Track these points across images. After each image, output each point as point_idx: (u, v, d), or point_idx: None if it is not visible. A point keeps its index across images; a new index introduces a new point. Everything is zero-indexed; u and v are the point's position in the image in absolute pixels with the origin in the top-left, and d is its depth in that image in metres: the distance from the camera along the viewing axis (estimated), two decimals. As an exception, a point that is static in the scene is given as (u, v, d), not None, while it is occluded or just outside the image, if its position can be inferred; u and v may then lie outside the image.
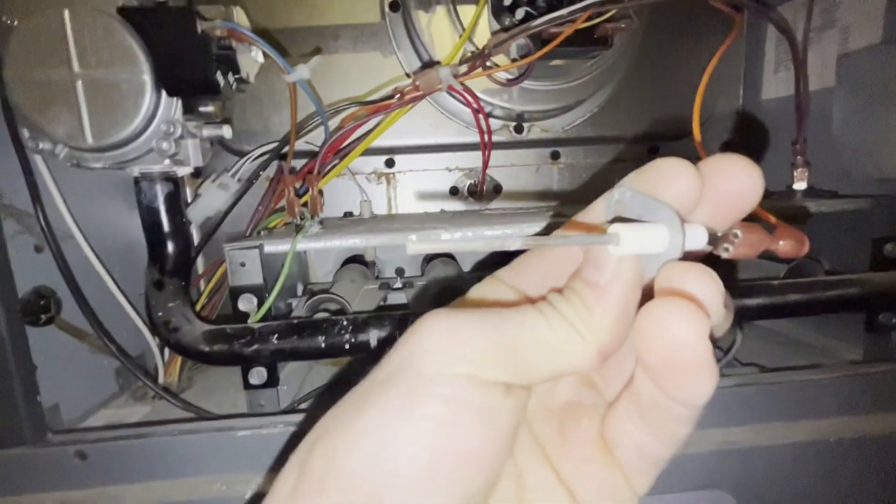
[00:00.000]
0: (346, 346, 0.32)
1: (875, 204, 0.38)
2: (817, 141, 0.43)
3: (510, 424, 0.14)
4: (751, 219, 0.15)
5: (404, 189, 0.55)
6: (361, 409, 0.14)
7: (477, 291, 0.17)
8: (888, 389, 0.34)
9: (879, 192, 0.39)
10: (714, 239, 0.14)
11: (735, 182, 0.14)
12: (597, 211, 0.16)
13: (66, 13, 0.28)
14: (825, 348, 0.43)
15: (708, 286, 0.13)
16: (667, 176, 0.14)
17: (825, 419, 0.34)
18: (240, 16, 0.33)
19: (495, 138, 0.52)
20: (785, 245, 0.15)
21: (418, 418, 0.13)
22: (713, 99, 0.57)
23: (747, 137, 0.57)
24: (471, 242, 0.13)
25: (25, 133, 0.30)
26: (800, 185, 0.41)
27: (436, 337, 0.14)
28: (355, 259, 0.52)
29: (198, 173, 0.48)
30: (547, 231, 0.36)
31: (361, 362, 0.42)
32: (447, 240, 0.11)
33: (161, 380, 0.40)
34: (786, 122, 0.50)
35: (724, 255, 0.14)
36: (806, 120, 0.41)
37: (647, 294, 0.14)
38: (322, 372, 0.44)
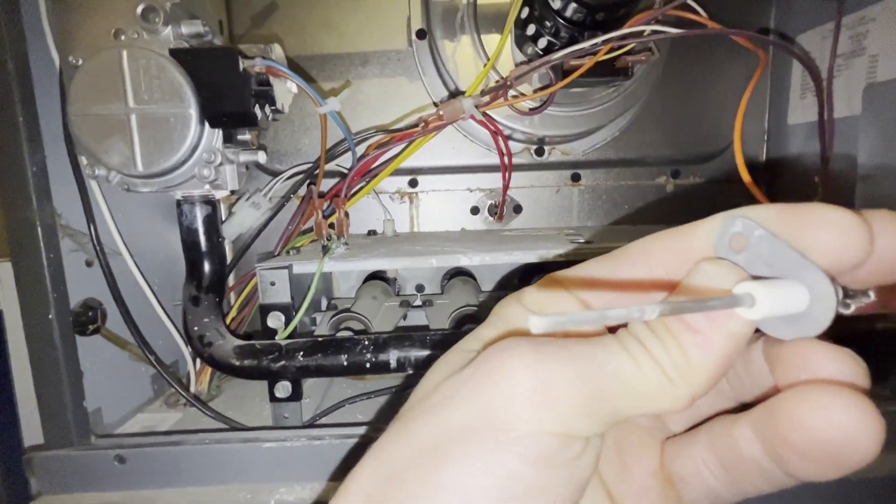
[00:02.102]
0: (367, 365, 0.33)
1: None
2: (844, 169, 0.43)
3: (589, 476, 0.14)
4: None
5: (426, 208, 0.57)
6: (441, 461, 0.13)
7: (536, 297, 0.16)
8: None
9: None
10: (843, 294, 0.12)
11: None
12: (702, 235, 0.14)
13: (125, 54, 0.30)
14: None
15: (865, 379, 0.12)
16: (828, 230, 0.11)
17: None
18: (276, 52, 0.35)
19: (516, 160, 0.53)
20: None
21: (504, 478, 0.13)
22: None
23: (773, 162, 0.56)
24: (606, 316, 0.11)
25: (83, 161, 0.33)
26: (824, 216, 0.41)
27: (524, 389, 0.13)
28: (377, 275, 0.54)
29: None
30: (574, 257, 0.37)
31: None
32: (576, 318, 0.11)
33: (192, 388, 0.43)
34: (812, 147, 0.49)
35: (844, 313, 0.12)
36: (830, 149, 0.40)
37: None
38: (343, 385, 0.45)
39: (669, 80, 0.53)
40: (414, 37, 0.51)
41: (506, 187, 0.50)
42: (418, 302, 0.51)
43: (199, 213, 0.36)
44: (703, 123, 0.55)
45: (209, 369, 0.44)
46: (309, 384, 0.45)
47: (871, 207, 0.39)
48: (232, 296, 0.49)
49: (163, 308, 0.40)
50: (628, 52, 0.39)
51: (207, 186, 0.35)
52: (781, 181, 0.55)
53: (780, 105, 0.56)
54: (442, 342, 0.33)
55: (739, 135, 0.35)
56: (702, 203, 0.57)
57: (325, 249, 0.39)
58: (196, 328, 0.35)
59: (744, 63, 0.55)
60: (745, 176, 0.34)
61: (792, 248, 0.11)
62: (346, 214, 0.42)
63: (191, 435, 0.33)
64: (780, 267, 0.11)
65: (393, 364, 0.33)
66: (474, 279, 0.53)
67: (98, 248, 0.35)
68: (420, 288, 0.56)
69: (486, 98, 0.40)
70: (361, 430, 0.33)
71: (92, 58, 0.31)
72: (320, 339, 0.34)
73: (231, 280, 0.53)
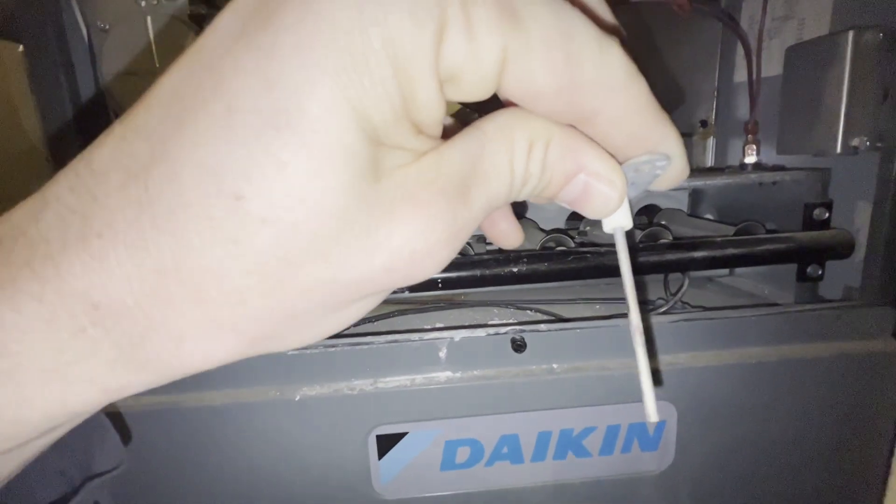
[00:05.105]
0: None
1: (808, 175, 0.45)
2: (774, 122, 0.50)
3: None
4: None
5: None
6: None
7: None
8: (802, 325, 0.42)
9: (814, 165, 0.46)
10: None
11: None
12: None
13: (149, 19, 0.35)
14: (768, 298, 0.51)
15: None
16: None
17: (751, 347, 0.42)
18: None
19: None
20: None
21: None
22: (694, 80, 0.64)
23: (721, 117, 0.64)
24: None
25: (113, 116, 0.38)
26: (750, 160, 0.49)
27: None
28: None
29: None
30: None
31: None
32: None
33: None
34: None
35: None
36: (757, 104, 0.47)
37: None
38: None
39: (627, 48, 0.59)
40: None
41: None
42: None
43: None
44: (656, 90, 0.62)
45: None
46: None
47: (788, 152, 0.47)
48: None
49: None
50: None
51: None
52: (728, 130, 0.62)
53: (728, 64, 0.62)
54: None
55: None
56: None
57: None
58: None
59: (696, 32, 0.61)
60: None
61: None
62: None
63: (226, 347, 0.40)
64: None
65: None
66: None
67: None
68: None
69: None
70: (366, 339, 0.40)
71: (119, 22, 0.35)
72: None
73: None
